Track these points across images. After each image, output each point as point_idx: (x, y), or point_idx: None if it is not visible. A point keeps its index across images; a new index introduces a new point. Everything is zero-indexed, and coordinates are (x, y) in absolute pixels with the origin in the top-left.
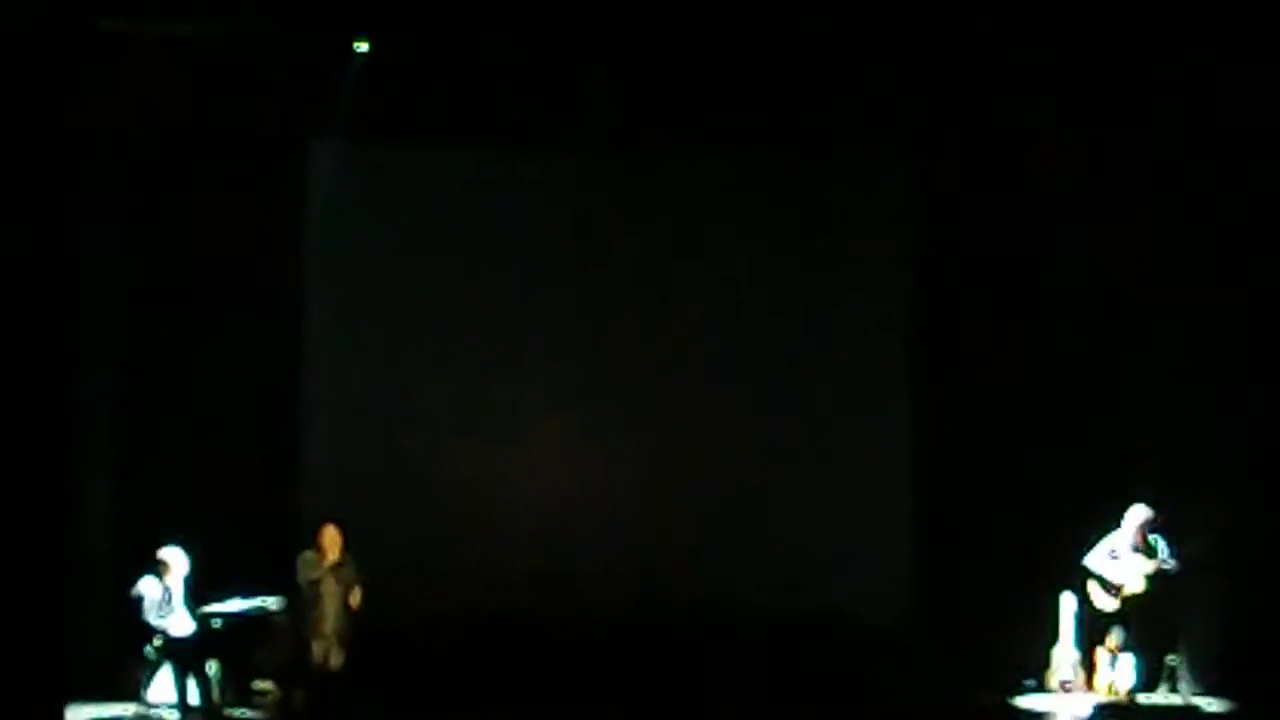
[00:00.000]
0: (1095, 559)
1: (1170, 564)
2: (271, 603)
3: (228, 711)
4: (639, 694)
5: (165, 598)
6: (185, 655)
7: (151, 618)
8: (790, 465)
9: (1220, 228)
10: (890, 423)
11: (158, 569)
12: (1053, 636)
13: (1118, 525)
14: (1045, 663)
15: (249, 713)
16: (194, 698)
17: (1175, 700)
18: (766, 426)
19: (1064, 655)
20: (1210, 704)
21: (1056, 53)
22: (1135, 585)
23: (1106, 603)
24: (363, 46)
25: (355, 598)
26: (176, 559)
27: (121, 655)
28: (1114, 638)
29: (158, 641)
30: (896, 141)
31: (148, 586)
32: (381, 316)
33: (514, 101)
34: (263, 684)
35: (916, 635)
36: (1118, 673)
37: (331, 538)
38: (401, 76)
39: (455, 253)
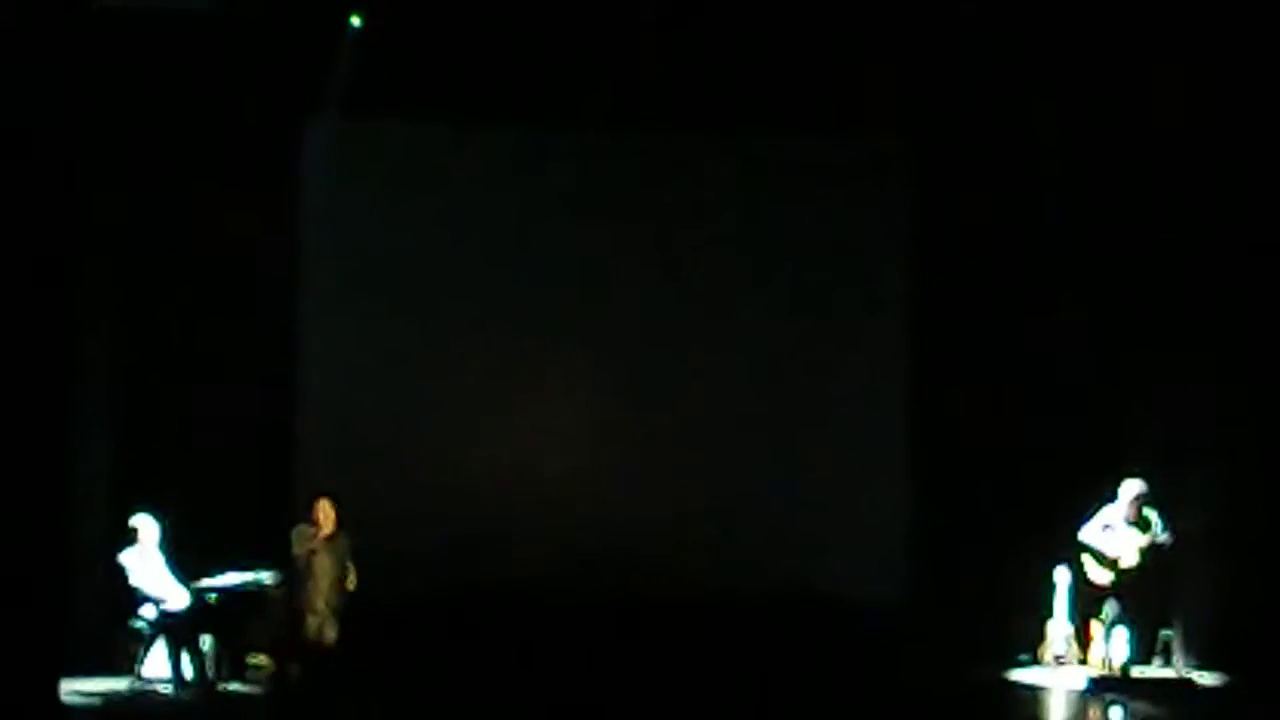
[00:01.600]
0: (1089, 533)
1: (1164, 537)
2: (266, 577)
3: (222, 686)
4: (635, 671)
5: (144, 564)
6: (179, 630)
7: (137, 583)
8: (787, 443)
9: (1218, 205)
10: (887, 400)
11: (132, 538)
12: (1047, 610)
13: (1112, 499)
14: (1040, 637)
15: (243, 687)
16: (188, 672)
17: (1169, 674)
18: (764, 405)
19: (1058, 629)
20: (1204, 677)
21: (1056, 34)
22: (1129, 559)
23: (1101, 577)
24: (357, 22)
25: (350, 581)
26: (146, 525)
27: (116, 630)
28: (1108, 611)
29: (152, 615)
30: (895, 123)
31: (127, 556)
32: (377, 292)
33: (510, 78)
34: (257, 658)
35: (912, 609)
36: (1112, 646)
37: (325, 511)
38: (397, 52)
39: (452, 229)
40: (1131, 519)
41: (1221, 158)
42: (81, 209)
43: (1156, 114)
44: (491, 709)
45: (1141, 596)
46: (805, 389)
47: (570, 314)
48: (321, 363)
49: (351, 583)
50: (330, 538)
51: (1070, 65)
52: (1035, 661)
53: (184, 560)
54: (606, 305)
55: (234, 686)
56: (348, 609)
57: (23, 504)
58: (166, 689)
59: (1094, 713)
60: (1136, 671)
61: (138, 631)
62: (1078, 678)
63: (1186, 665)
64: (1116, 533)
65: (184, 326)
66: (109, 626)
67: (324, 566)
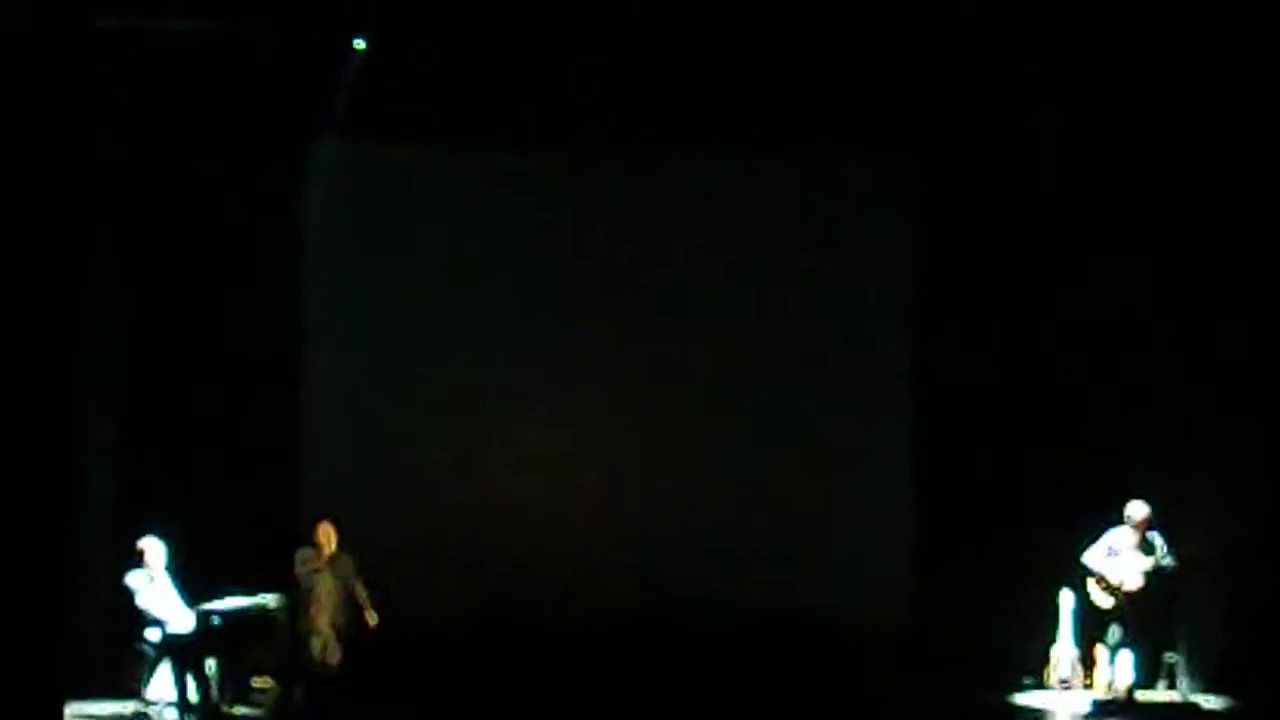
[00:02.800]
0: (1094, 556)
1: (1168, 561)
2: (270, 600)
3: (226, 709)
4: (638, 689)
5: (150, 586)
6: (184, 653)
7: (142, 604)
8: (790, 461)
9: (1219, 223)
10: (890, 419)
11: (139, 560)
12: (1052, 634)
13: (1117, 522)
14: (1044, 660)
15: (248, 710)
16: (193, 695)
17: (1174, 697)
18: (766, 422)
19: (1063, 652)
20: (1208, 701)
21: (1056, 49)
22: (1134, 582)
23: (1105, 600)
24: (360, 45)
25: (363, 597)
26: (154, 548)
27: (121, 653)
28: (1113, 635)
29: (156, 638)
30: (897, 138)
31: (133, 578)
32: (379, 312)
33: (512, 99)
34: (261, 681)
35: (916, 632)
36: (1117, 670)
37: (326, 533)
38: (400, 74)
39: (453, 249)
40: (1137, 542)
41: (1224, 169)
42: (84, 232)
43: (1157, 124)
44: None
45: (1146, 620)
46: (809, 407)
47: (573, 334)
48: (325, 384)
49: (365, 599)
50: (332, 560)
51: (1071, 77)
52: (1040, 684)
53: (188, 583)
54: (610, 325)
55: (238, 709)
56: (351, 631)
57: (26, 527)
58: (171, 712)
59: None
60: (1141, 695)
61: (143, 654)
62: (1082, 701)
63: (1191, 689)
64: (1121, 556)
65: (186, 349)
66: (114, 649)
67: (327, 589)
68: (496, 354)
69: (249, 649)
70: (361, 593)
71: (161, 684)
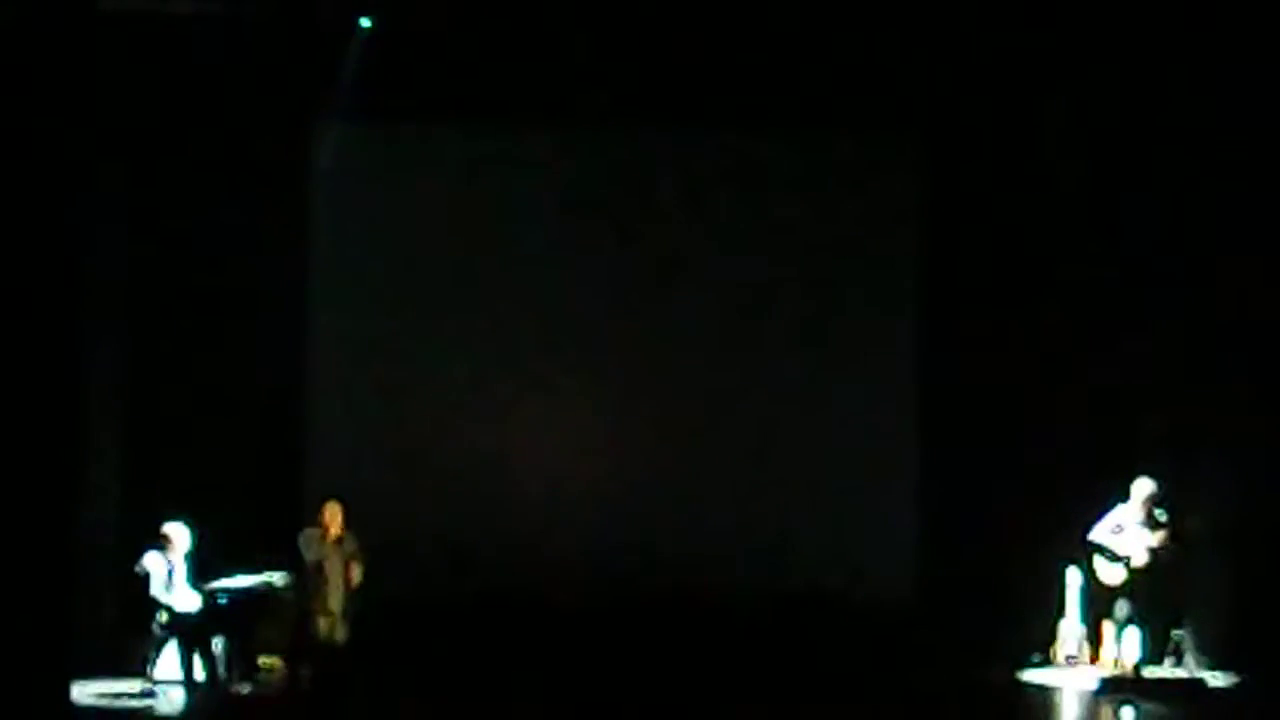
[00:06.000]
0: (1101, 533)
1: (1157, 536)
2: (277, 579)
3: (233, 687)
4: (642, 672)
5: (169, 572)
6: (191, 631)
7: (156, 592)
8: (794, 442)
9: (1225, 201)
10: (894, 398)
11: (161, 545)
12: (1058, 611)
13: (1124, 499)
14: (1051, 637)
15: (254, 688)
16: (200, 674)
17: (1181, 673)
18: (770, 404)
19: (1070, 629)
20: (1215, 677)
21: (1063, 27)
22: (1140, 559)
23: (1112, 577)
24: (366, 24)
25: (356, 574)
26: (179, 534)
27: (128, 632)
28: (1120, 611)
29: (163, 618)
30: (901, 121)
31: (152, 562)
32: (386, 294)
33: (516, 79)
34: (268, 660)
35: (922, 609)
36: (1124, 647)
37: (333, 514)
38: (406, 54)
39: (459, 230)
40: (1143, 519)
41: (1229, 154)
42: (86, 218)
43: (1164, 108)
44: (501, 711)
45: (1153, 597)
46: (814, 388)
47: (577, 316)
48: (332, 365)
49: (358, 577)
50: (338, 540)
51: (1077, 58)
52: (1047, 662)
53: (196, 562)
54: (614, 307)
55: (245, 688)
56: (357, 610)
57: (35, 507)
58: (178, 690)
59: (1106, 713)
60: (1148, 672)
61: (150, 633)
62: (1089, 678)
63: (1198, 665)
64: (1128, 533)
65: (193, 330)
66: (122, 628)
67: (334, 568)
68: (505, 336)
69: (256, 628)
70: (356, 574)
71: (168, 663)
